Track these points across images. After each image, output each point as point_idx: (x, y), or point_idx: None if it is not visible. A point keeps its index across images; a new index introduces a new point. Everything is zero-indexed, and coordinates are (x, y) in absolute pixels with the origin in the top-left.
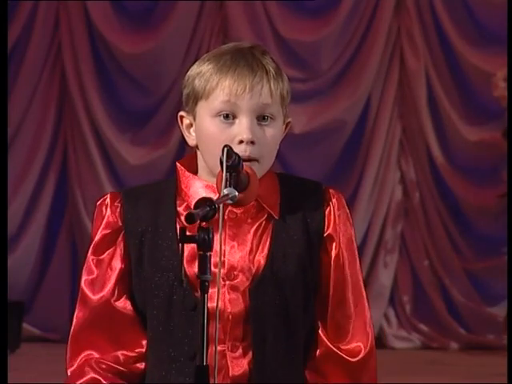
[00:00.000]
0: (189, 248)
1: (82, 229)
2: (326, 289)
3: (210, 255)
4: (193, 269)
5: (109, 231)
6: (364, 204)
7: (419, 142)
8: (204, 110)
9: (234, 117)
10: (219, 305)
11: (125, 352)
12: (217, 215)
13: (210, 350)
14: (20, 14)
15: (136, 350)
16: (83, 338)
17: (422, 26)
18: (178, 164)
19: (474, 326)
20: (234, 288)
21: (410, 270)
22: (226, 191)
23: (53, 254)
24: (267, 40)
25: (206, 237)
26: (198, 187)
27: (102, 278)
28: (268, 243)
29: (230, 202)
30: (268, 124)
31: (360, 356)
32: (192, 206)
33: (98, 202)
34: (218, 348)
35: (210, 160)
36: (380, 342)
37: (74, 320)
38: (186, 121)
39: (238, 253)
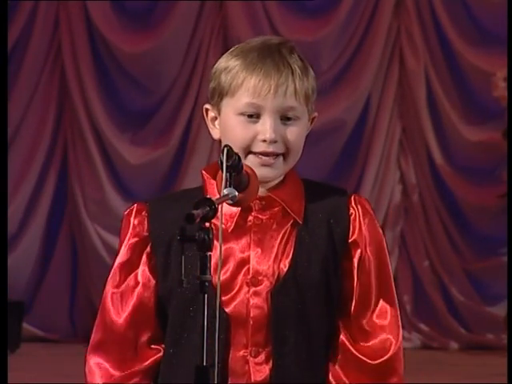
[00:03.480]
0: (215, 257)
1: (81, 229)
2: (349, 294)
3: (211, 255)
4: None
5: (136, 239)
6: None
7: (419, 142)
8: (229, 107)
9: (258, 116)
10: (218, 304)
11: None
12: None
13: (231, 356)
14: (20, 13)
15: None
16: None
17: (421, 25)
18: (203, 172)
19: (473, 326)
20: (257, 294)
21: (410, 270)
22: (225, 191)
23: (53, 254)
24: None
25: (206, 237)
26: None
27: (125, 293)
28: (292, 248)
29: (230, 201)
30: (292, 123)
31: (385, 357)
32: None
33: (125, 213)
34: (241, 353)
35: None
36: None
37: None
38: (211, 114)
39: (263, 259)
